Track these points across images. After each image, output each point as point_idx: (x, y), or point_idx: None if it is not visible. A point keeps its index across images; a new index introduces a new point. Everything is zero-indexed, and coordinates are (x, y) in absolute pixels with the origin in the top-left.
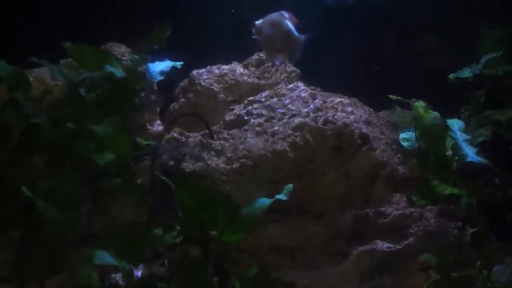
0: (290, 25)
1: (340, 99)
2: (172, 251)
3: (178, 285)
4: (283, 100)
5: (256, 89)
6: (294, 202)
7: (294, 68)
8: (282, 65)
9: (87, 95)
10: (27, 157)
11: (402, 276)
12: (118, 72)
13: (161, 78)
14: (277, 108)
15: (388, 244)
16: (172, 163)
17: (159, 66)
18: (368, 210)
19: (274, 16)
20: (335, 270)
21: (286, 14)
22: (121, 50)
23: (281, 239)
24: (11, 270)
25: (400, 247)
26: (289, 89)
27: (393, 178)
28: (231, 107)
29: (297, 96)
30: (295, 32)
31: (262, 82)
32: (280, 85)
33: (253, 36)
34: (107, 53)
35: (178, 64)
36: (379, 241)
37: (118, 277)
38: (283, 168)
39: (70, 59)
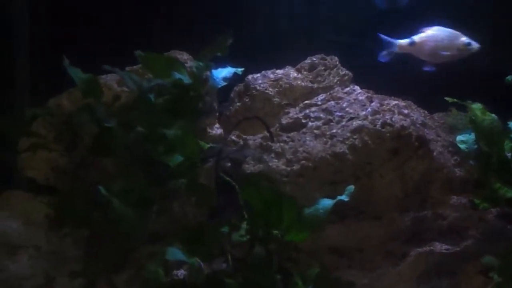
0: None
1: (395, 102)
2: (237, 249)
3: (243, 282)
4: (341, 103)
5: (309, 92)
6: (351, 203)
7: (347, 72)
8: (335, 69)
9: (156, 100)
10: (98, 160)
11: (460, 279)
12: (186, 79)
13: (224, 84)
14: (335, 111)
15: (446, 246)
16: (229, 165)
17: (222, 73)
18: (426, 212)
19: (443, 31)
20: (393, 271)
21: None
22: (184, 57)
23: (339, 240)
24: (83, 266)
25: (458, 249)
26: (346, 92)
27: (450, 181)
28: (286, 110)
29: (355, 99)
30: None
31: (315, 85)
32: (336, 88)
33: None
34: (175, 61)
35: (240, 70)
36: (437, 243)
37: (180, 273)
38: (342, 170)
39: (134, 67)
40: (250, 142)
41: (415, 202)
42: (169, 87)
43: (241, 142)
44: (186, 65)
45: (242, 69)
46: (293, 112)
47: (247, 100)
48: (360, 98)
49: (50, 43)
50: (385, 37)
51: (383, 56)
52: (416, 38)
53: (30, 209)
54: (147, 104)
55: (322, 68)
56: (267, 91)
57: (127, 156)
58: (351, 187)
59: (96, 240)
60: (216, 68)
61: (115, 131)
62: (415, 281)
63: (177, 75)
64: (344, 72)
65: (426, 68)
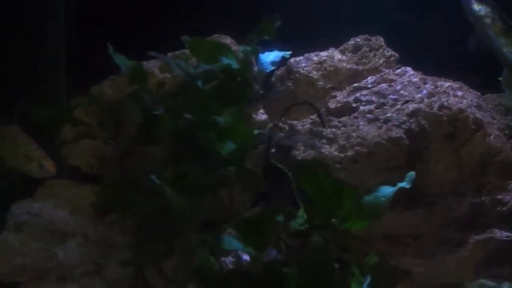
0: None
1: (449, 83)
2: (293, 238)
3: (302, 272)
4: (394, 86)
5: (354, 75)
6: (405, 189)
7: (393, 52)
8: (380, 50)
9: (204, 87)
10: (144, 148)
11: None
12: (234, 64)
13: (272, 68)
14: (388, 94)
15: (507, 233)
16: (273, 151)
17: (269, 57)
18: (483, 198)
19: None
20: (451, 259)
21: None
22: (227, 42)
23: (393, 227)
24: (131, 253)
25: None
26: (398, 74)
27: (507, 165)
28: (332, 94)
29: (408, 81)
30: None
31: (360, 67)
32: (387, 70)
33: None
34: (222, 45)
35: (287, 54)
36: (496, 230)
37: (228, 260)
38: (398, 155)
39: (175, 52)
40: (299, 127)
41: (471, 187)
42: (217, 73)
43: (287, 128)
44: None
45: (290, 52)
46: (341, 96)
47: (290, 84)
48: (414, 80)
49: (84, 30)
50: None
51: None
52: None
53: (75, 197)
54: (195, 90)
55: (367, 49)
56: (311, 75)
57: (175, 144)
58: (412, 174)
59: (145, 227)
60: (262, 52)
61: (163, 119)
62: (473, 269)
63: (225, 60)
64: (390, 53)
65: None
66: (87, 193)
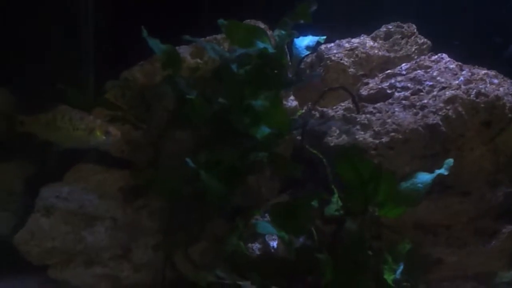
0: None
1: (485, 71)
2: (327, 224)
3: (334, 257)
4: (430, 72)
5: (386, 62)
6: (438, 177)
7: (425, 40)
8: (413, 37)
9: (239, 71)
10: (179, 132)
11: None
12: (270, 48)
13: (307, 53)
14: (425, 81)
15: None
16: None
17: (304, 41)
18: None
19: None
20: (484, 249)
21: None
22: (260, 27)
23: (425, 216)
24: (160, 238)
25: None
26: (433, 61)
27: None
28: (365, 80)
29: (445, 68)
30: None
31: (392, 55)
32: (422, 57)
33: None
34: (257, 29)
35: (322, 38)
36: None
37: (255, 246)
38: (433, 142)
39: (208, 37)
40: (331, 113)
41: (507, 177)
42: (253, 57)
43: (317, 115)
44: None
45: (325, 37)
46: (374, 82)
47: (321, 70)
48: (451, 66)
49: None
50: None
51: None
52: None
53: (104, 181)
54: (230, 74)
55: (399, 36)
56: (342, 61)
57: (209, 128)
58: (450, 161)
59: (175, 212)
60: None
61: (197, 103)
62: (507, 259)
63: (261, 44)
64: (422, 41)
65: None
66: (116, 177)
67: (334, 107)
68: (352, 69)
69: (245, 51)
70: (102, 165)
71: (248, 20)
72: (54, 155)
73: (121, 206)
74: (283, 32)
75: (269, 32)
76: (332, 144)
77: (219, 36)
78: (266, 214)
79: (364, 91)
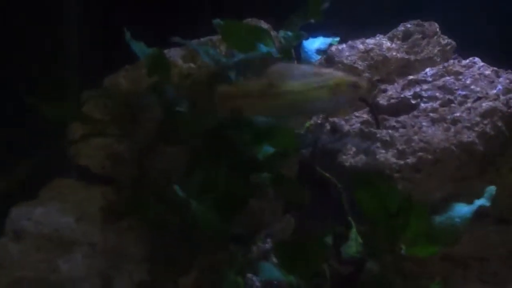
0: None
1: None
2: (343, 263)
3: None
4: (462, 80)
5: (405, 65)
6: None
7: (449, 40)
8: (435, 37)
9: (237, 79)
10: (166, 147)
11: None
12: (274, 52)
13: (318, 58)
14: (456, 90)
15: None
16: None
17: (315, 44)
18: None
19: None
20: None
21: None
22: (262, 27)
23: (456, 247)
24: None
25: None
26: (464, 66)
27: None
28: (382, 87)
29: (480, 74)
30: None
31: (412, 57)
32: (450, 61)
33: None
34: (261, 30)
35: (335, 40)
36: None
37: (255, 278)
38: (468, 163)
39: (202, 39)
40: (345, 127)
41: None
42: (254, 63)
43: (329, 127)
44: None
45: (338, 38)
46: (394, 90)
47: None
48: (487, 72)
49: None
50: None
51: None
52: None
53: (84, 200)
54: (227, 83)
55: (419, 36)
56: (355, 65)
57: (202, 144)
58: (492, 189)
59: (164, 239)
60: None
61: (188, 115)
62: None
63: (264, 48)
64: (446, 41)
65: None
66: (97, 196)
67: (349, 118)
68: (367, 74)
69: (245, 56)
70: (82, 181)
71: (249, 19)
72: (27, 168)
73: (102, 229)
74: (289, 33)
75: (273, 33)
76: (347, 164)
77: (214, 38)
78: (268, 240)
79: (382, 100)
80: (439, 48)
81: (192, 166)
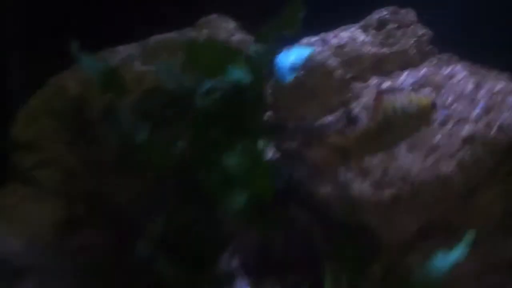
0: None
1: (502, 84)
2: None
3: None
4: (444, 95)
5: (380, 60)
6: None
7: (426, 30)
8: (411, 26)
9: (205, 106)
10: (127, 181)
11: None
12: (246, 78)
13: (292, 76)
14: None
15: None
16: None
17: (290, 57)
18: None
19: None
20: None
21: None
22: (229, 27)
23: None
24: None
25: None
26: (446, 77)
27: None
28: (355, 92)
29: (461, 90)
30: None
31: (387, 50)
32: (431, 68)
33: None
34: (230, 51)
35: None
36: None
37: None
38: (446, 196)
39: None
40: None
41: None
42: (223, 90)
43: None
44: (233, 38)
45: (314, 48)
46: (367, 98)
47: (300, 75)
48: (469, 87)
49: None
50: None
51: None
52: None
53: (32, 216)
54: (191, 112)
55: (395, 26)
56: (328, 63)
57: (168, 180)
58: (471, 236)
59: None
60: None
61: (148, 148)
62: None
63: (235, 73)
64: (422, 32)
65: None
66: (48, 210)
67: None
68: (340, 71)
69: (212, 84)
70: (31, 193)
71: (214, 15)
72: None
73: (54, 252)
74: (262, 49)
75: (241, 35)
76: (319, 196)
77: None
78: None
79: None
80: (415, 39)
81: (156, 205)
